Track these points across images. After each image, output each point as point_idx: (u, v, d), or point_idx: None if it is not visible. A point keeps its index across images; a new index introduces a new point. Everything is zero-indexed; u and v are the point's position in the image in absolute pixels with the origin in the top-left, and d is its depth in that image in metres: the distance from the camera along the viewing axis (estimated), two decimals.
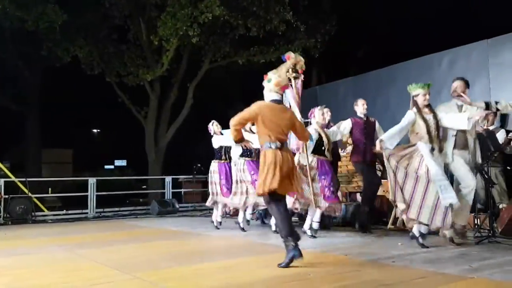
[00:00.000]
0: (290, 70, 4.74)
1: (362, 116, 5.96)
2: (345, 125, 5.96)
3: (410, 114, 4.78)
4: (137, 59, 13.08)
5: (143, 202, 13.94)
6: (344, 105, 9.92)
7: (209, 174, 6.97)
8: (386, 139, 4.72)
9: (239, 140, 4.16)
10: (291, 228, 3.79)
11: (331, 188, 5.47)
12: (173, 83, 13.79)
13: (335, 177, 5.80)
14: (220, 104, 15.89)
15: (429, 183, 4.44)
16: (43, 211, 10.02)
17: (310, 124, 5.89)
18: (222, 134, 6.88)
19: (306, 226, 5.67)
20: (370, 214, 5.93)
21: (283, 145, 3.93)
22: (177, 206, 10.71)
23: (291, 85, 4.86)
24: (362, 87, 9.23)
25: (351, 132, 5.97)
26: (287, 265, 3.67)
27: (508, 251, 4.19)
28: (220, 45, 13.06)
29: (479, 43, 7.40)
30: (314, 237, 5.49)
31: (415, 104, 4.79)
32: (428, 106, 4.77)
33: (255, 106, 4.00)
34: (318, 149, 5.55)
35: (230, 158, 6.78)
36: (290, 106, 5.10)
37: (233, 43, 13.13)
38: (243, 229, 6.37)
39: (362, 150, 5.84)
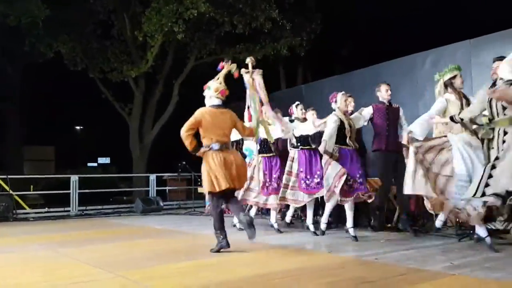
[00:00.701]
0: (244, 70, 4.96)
1: (385, 101, 5.53)
2: (366, 112, 5.57)
3: (441, 101, 4.60)
4: (121, 55, 12.94)
5: (127, 200, 13.82)
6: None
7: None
8: (415, 129, 4.56)
9: (194, 148, 4.45)
10: (223, 224, 4.44)
11: (361, 179, 5.07)
12: (158, 79, 13.68)
13: (362, 167, 5.32)
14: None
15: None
16: (25, 208, 9.86)
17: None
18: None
19: (308, 221, 5.61)
20: (383, 211, 5.65)
21: (226, 146, 4.43)
22: (161, 204, 10.64)
23: (254, 83, 4.90)
24: (347, 86, 9.24)
25: (371, 119, 5.55)
26: (217, 251, 4.32)
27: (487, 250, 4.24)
28: (205, 42, 13.00)
29: (461, 43, 7.49)
30: (316, 234, 5.40)
31: (452, 87, 4.63)
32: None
33: (197, 113, 4.47)
34: (340, 138, 5.17)
35: (244, 156, 6.29)
36: (249, 106, 5.06)
37: (219, 40, 13.08)
38: (278, 230, 5.87)
39: (384, 138, 5.42)
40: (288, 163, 5.83)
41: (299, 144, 5.81)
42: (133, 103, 13.54)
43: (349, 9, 14.89)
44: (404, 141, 4.69)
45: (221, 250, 4.33)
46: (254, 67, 4.94)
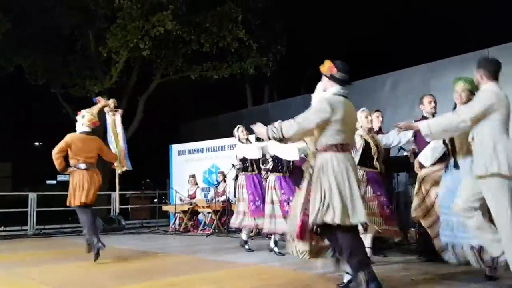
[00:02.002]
0: (107, 109, 5.91)
1: (429, 116, 4.52)
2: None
3: None
4: (84, 70, 12.73)
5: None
6: None
7: (236, 189, 6.10)
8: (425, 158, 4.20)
9: (63, 168, 5.15)
10: (97, 232, 5.14)
11: (389, 207, 4.49)
12: (122, 95, 13.51)
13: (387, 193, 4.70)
14: (171, 119, 15.74)
15: None
16: None
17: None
18: (249, 142, 6.03)
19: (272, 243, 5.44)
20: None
21: (91, 166, 5.22)
22: (123, 223, 10.38)
23: (114, 118, 5.96)
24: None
25: (415, 138, 4.64)
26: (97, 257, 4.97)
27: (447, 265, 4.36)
28: (172, 59, 13.00)
29: (420, 67, 7.83)
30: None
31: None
32: None
33: (67, 137, 5.22)
34: (364, 160, 4.49)
35: (259, 169, 5.98)
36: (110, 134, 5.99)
37: (186, 58, 13.11)
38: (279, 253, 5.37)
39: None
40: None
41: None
42: None
43: (314, 31, 15.31)
44: (415, 167, 4.34)
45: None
46: (117, 106, 5.96)
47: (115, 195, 11.47)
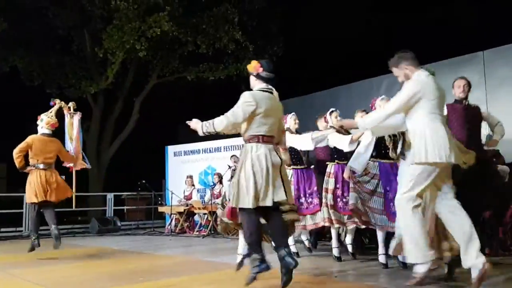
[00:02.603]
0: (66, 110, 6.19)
1: (461, 100, 4.22)
2: None
3: None
4: (80, 71, 12.70)
5: (81, 220, 13.36)
6: None
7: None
8: None
9: (22, 166, 5.60)
10: (38, 227, 5.72)
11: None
12: (118, 96, 13.48)
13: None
14: (168, 120, 15.73)
15: None
16: None
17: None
18: (298, 133, 5.34)
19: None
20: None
21: (49, 167, 5.66)
22: (119, 224, 10.35)
23: (71, 121, 6.17)
24: (308, 107, 9.51)
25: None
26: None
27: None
28: (168, 60, 12.99)
29: None
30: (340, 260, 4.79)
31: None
32: None
33: (29, 138, 5.66)
34: (379, 151, 4.32)
35: (309, 163, 5.39)
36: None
37: (182, 59, 13.10)
38: (309, 249, 5.32)
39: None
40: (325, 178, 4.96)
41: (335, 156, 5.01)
42: (91, 120, 13.23)
43: (310, 33, 15.34)
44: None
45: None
46: (76, 110, 6.21)
47: (111, 196, 11.45)
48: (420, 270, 3.15)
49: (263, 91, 3.50)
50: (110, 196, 11.39)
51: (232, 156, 9.31)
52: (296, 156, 5.16)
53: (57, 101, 6.03)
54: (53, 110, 5.92)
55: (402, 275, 3.78)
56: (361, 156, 4.26)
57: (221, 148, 10.41)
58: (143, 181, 10.73)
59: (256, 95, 3.42)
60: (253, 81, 3.62)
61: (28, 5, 11.58)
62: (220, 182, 9.31)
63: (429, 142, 3.10)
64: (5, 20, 10.42)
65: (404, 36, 14.79)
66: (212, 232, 8.69)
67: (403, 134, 3.71)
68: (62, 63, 12.73)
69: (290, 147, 5.01)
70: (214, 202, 8.90)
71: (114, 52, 11.25)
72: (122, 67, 12.47)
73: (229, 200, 3.50)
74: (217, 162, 10.29)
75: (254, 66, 3.57)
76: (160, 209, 10.34)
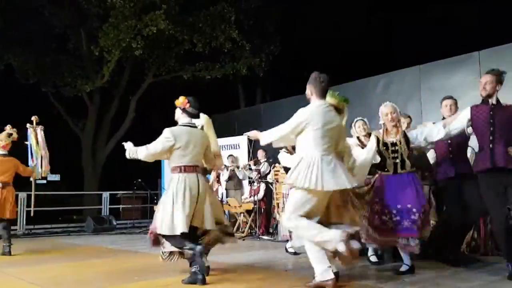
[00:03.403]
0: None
1: (488, 100, 3.80)
2: (463, 116, 3.94)
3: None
4: (76, 70, 12.65)
5: (77, 219, 13.31)
6: None
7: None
8: None
9: None
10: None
11: (387, 215, 3.98)
12: (114, 95, 13.44)
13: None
14: (164, 118, 15.70)
15: None
16: None
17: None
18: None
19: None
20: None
21: (7, 185, 6.13)
22: (114, 223, 10.32)
23: (35, 134, 6.52)
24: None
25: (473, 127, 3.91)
26: None
27: (438, 267, 4.39)
28: (164, 59, 12.96)
29: (412, 69, 7.88)
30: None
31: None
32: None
33: None
34: (379, 162, 4.17)
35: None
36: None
37: (178, 58, 13.08)
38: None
39: (488, 154, 3.73)
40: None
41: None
42: (87, 119, 13.18)
43: (307, 32, 15.35)
44: None
45: None
46: (39, 123, 6.50)
47: (106, 194, 11.42)
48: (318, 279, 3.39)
49: (185, 125, 4.02)
50: (105, 195, 11.35)
51: (229, 156, 9.30)
52: None
53: (8, 127, 6.45)
54: (3, 134, 6.34)
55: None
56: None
57: None
58: (139, 180, 10.71)
59: (175, 131, 3.93)
60: (179, 114, 4.10)
61: (24, 4, 11.53)
62: (218, 181, 9.30)
63: (302, 169, 3.38)
64: (1, 18, 10.36)
65: (400, 35, 14.85)
66: None
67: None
68: (58, 62, 12.68)
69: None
70: None
71: (110, 50, 11.22)
72: (118, 66, 12.43)
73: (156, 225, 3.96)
74: None
75: (182, 102, 4.05)
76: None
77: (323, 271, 3.32)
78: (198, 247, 3.66)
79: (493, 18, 12.27)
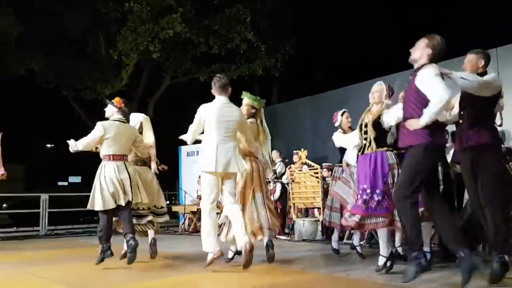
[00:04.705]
0: None
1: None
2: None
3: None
4: (95, 73, 12.88)
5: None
6: (303, 123, 10.20)
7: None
8: None
9: None
10: None
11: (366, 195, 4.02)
12: (133, 98, 13.64)
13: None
14: (181, 120, 15.85)
15: None
16: None
17: None
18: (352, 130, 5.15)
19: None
20: None
21: None
22: None
23: None
24: (319, 106, 9.51)
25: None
26: None
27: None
28: (181, 62, 13.10)
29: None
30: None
31: None
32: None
33: None
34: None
35: None
36: None
37: (195, 60, 13.20)
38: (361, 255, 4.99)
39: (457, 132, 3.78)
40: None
41: None
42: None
43: (322, 32, 15.33)
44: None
45: None
46: None
47: None
48: (210, 256, 4.17)
49: (116, 120, 4.71)
50: None
51: None
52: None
53: None
54: None
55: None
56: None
57: None
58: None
59: (105, 125, 4.63)
60: (112, 110, 4.79)
61: (43, 9, 11.79)
62: None
63: (201, 154, 4.32)
64: (21, 24, 10.62)
65: (417, 34, 14.70)
66: None
67: None
68: (77, 66, 12.92)
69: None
70: None
71: (128, 54, 11.41)
72: (136, 69, 12.62)
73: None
74: None
75: (118, 101, 4.81)
76: (174, 208, 10.44)
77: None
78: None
79: (510, 14, 12.04)
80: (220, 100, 4.34)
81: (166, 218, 5.24)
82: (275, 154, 8.86)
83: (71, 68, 12.82)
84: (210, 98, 4.60)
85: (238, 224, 4.16)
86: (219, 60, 12.95)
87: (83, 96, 12.90)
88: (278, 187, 8.24)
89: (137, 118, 5.31)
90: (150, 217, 4.99)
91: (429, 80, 3.19)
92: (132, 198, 4.56)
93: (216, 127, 4.19)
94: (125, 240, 4.62)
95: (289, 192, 7.49)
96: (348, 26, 14.80)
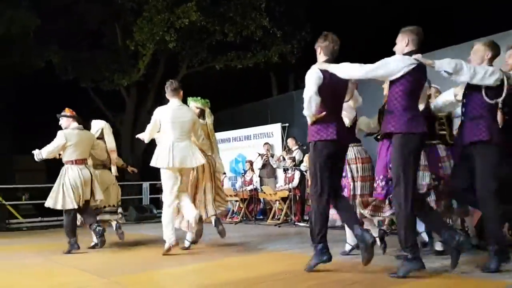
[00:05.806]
0: None
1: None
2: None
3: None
4: (112, 64, 13.00)
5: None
6: None
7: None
8: None
9: None
10: None
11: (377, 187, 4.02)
12: (150, 88, 13.75)
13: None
14: None
15: None
16: (18, 218, 9.83)
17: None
18: None
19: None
20: None
21: None
22: (155, 211, 10.66)
23: None
24: None
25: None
26: None
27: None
28: (197, 51, 13.11)
29: (456, 47, 7.65)
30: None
31: None
32: None
33: None
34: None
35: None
36: None
37: (210, 49, 13.20)
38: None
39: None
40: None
41: None
42: (125, 112, 13.56)
43: (338, 17, 15.10)
44: None
45: None
46: None
47: (146, 185, 11.77)
48: (166, 245, 4.57)
49: (75, 129, 5.27)
50: (145, 185, 11.71)
51: (265, 144, 9.38)
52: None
53: None
54: None
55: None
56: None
57: (251, 136, 10.49)
58: None
59: (67, 133, 5.19)
60: (68, 121, 5.32)
61: (59, 2, 11.90)
62: (252, 169, 9.42)
63: (157, 153, 4.81)
64: (39, 17, 10.76)
65: (433, 17, 14.37)
66: (244, 218, 8.83)
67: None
68: (95, 57, 13.05)
69: None
70: (245, 189, 9.03)
71: (145, 44, 11.47)
72: (153, 59, 12.68)
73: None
74: (247, 150, 10.39)
75: (68, 110, 5.39)
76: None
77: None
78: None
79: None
80: (174, 102, 4.82)
81: (119, 216, 5.92)
82: (291, 142, 8.86)
83: (88, 59, 12.97)
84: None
85: (188, 206, 4.68)
86: (235, 48, 12.91)
87: (101, 87, 13.06)
88: (297, 174, 8.26)
89: (98, 124, 5.89)
90: (107, 216, 5.72)
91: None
92: (91, 197, 5.21)
93: (171, 127, 4.68)
94: (91, 231, 5.17)
95: (307, 180, 7.50)
96: (363, 12, 14.56)
